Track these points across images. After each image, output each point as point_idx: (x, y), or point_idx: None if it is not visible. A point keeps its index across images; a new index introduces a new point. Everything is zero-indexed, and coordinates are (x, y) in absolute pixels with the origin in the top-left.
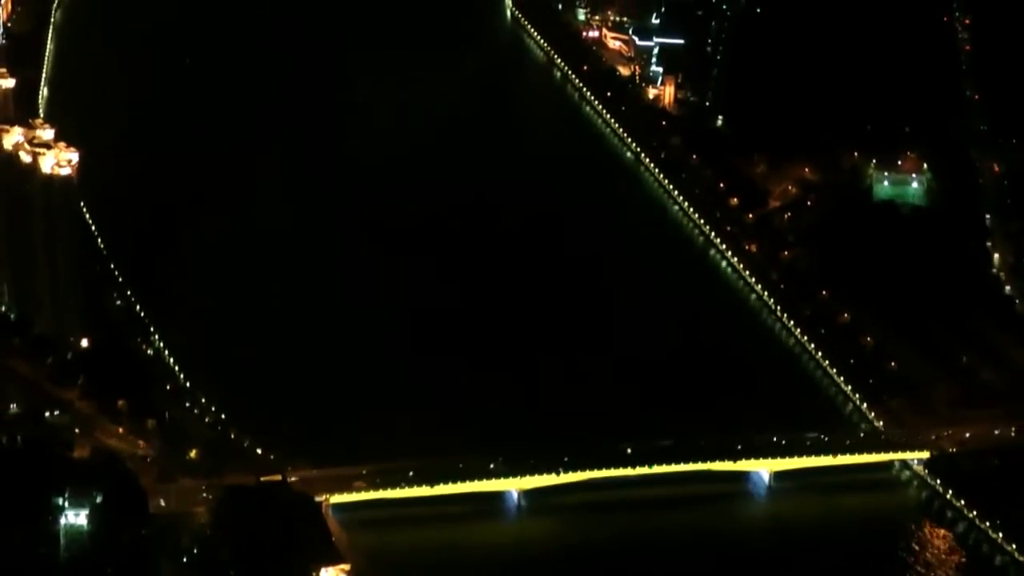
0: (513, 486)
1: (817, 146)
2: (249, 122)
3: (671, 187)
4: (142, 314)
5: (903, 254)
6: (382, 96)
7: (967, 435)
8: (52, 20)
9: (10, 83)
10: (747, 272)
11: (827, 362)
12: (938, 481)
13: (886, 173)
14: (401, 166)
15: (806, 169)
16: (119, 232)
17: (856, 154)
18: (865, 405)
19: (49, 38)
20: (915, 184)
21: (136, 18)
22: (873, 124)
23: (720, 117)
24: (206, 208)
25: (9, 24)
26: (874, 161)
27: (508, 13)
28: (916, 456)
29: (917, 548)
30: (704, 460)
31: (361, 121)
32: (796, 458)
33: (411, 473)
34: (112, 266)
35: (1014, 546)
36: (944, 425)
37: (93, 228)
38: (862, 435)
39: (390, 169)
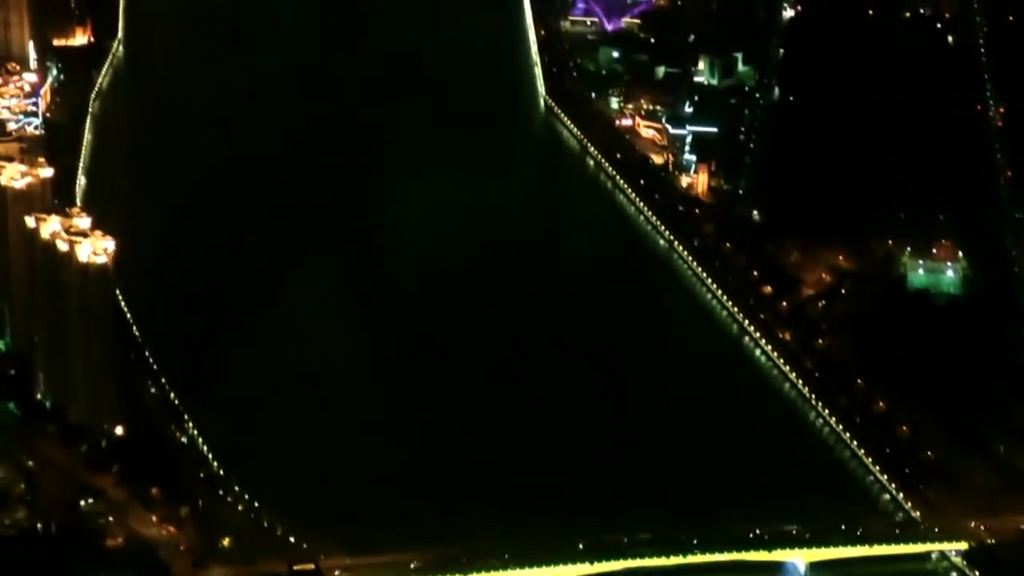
0: None
1: (851, 234)
2: (285, 212)
3: (704, 275)
4: (176, 402)
5: (938, 342)
6: (415, 182)
7: (1005, 525)
8: (90, 110)
9: (48, 172)
10: (781, 360)
11: (862, 451)
12: (976, 572)
13: (920, 261)
14: (432, 253)
15: (840, 257)
16: (154, 320)
17: (890, 242)
18: (901, 495)
19: (87, 128)
20: (950, 272)
21: (174, 109)
22: (907, 212)
23: (753, 205)
24: (241, 296)
25: (48, 114)
26: (908, 249)
27: (542, 102)
28: (953, 547)
29: None
30: (738, 549)
31: (395, 207)
32: (831, 548)
33: (434, 562)
34: (147, 353)
35: None
36: (982, 515)
37: (128, 316)
38: (898, 525)
39: (423, 258)
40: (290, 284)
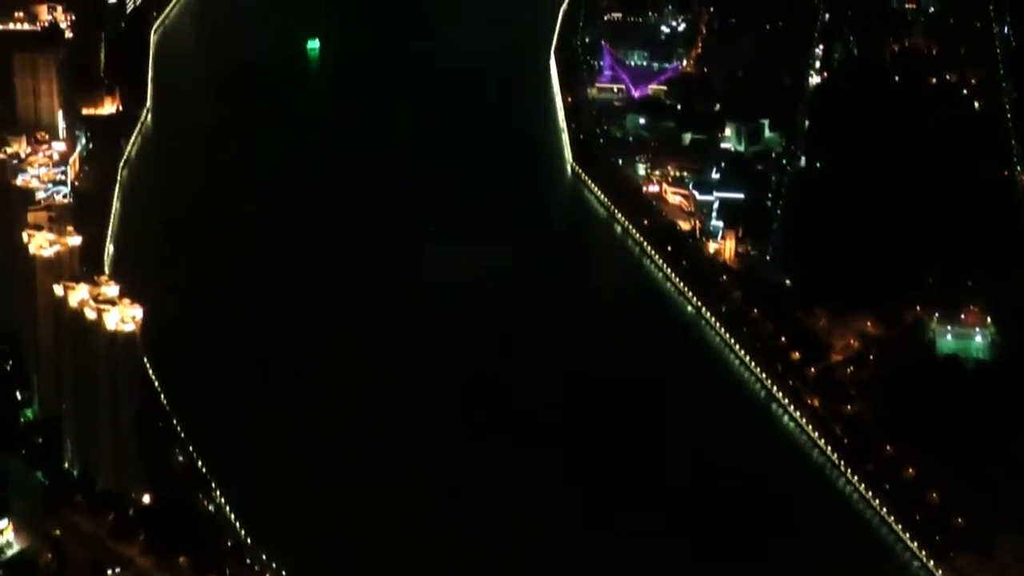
0: None
1: (879, 300)
2: (314, 278)
3: (732, 341)
4: (204, 470)
5: (968, 408)
6: (442, 249)
7: None
8: (118, 179)
9: (76, 241)
10: (810, 426)
11: (892, 518)
12: None
13: (949, 327)
14: (459, 318)
15: (868, 323)
16: (182, 388)
17: (918, 308)
18: (932, 562)
19: (115, 196)
20: (978, 338)
21: (202, 177)
22: (935, 278)
23: (781, 271)
24: (269, 363)
25: (76, 183)
26: (936, 315)
27: (568, 168)
28: None
29: None
30: None
31: (422, 272)
32: None
33: None
34: (174, 421)
35: None
36: None
37: (156, 384)
38: None
39: (450, 323)
40: (320, 351)
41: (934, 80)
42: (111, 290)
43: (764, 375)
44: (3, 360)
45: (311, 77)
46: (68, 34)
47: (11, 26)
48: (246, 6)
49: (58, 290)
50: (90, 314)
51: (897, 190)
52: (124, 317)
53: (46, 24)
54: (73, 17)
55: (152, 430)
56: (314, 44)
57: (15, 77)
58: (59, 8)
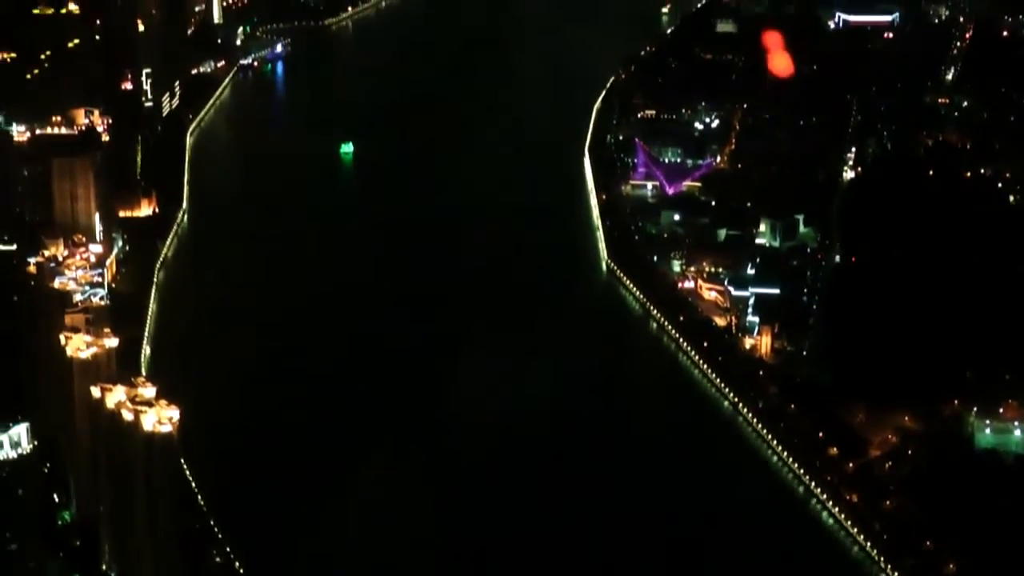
0: None
1: (916, 395)
2: (351, 384)
3: (770, 437)
4: (241, 572)
5: (1008, 502)
6: (476, 351)
7: None
8: (155, 281)
9: (113, 342)
10: (849, 522)
11: None
12: None
13: (988, 421)
14: (496, 419)
15: (906, 418)
16: (219, 490)
17: (956, 402)
18: None
19: (152, 298)
20: (1018, 432)
21: (238, 279)
22: (973, 372)
23: (818, 366)
24: (305, 469)
25: (113, 284)
26: (975, 409)
27: (604, 266)
28: None
29: None
30: None
31: (457, 375)
32: None
33: None
34: (212, 523)
35: None
36: None
37: (193, 485)
38: None
39: (488, 426)
40: (358, 458)
41: (968, 174)
42: (148, 391)
43: (802, 471)
44: (40, 462)
45: (345, 180)
46: (105, 138)
47: (49, 131)
48: (280, 108)
49: (95, 392)
50: (127, 416)
51: (933, 284)
52: (161, 418)
53: (83, 128)
54: (110, 121)
55: (189, 532)
56: (347, 148)
57: (53, 181)
58: (96, 112)
